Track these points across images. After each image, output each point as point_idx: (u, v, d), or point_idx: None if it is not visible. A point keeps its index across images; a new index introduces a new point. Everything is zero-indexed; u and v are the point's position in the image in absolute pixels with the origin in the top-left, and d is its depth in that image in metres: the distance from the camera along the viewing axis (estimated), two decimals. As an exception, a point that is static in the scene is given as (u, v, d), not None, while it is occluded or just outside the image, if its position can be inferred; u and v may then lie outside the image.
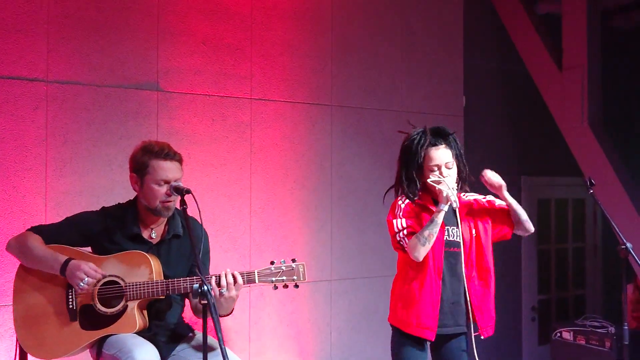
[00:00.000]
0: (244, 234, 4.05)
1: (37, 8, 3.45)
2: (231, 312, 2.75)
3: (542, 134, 5.56)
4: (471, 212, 3.00)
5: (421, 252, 2.81)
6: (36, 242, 2.70)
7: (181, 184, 2.67)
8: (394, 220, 2.92)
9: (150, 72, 3.77)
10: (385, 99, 4.66)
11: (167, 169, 2.71)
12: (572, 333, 4.72)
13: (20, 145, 3.40)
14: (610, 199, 4.56)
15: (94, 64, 3.60)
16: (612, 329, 4.53)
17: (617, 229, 3.16)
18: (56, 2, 3.51)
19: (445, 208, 2.82)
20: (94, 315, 2.68)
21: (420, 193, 2.96)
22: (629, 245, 3.05)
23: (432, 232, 2.80)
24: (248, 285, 2.71)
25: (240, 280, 2.64)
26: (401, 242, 2.89)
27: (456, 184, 2.92)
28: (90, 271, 2.63)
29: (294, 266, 2.70)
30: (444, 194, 2.81)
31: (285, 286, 2.72)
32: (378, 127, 4.62)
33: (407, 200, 2.95)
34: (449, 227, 2.92)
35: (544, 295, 5.82)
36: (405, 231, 2.87)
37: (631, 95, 5.53)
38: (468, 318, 2.95)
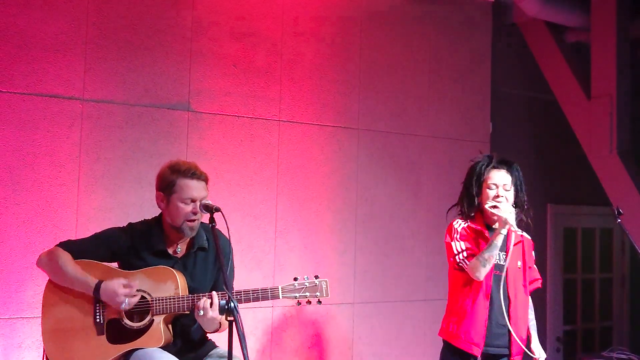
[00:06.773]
0: (268, 254, 4.08)
1: (75, 29, 3.57)
2: (216, 330, 2.75)
3: (569, 162, 5.52)
4: (520, 247, 3.12)
5: (482, 272, 2.98)
6: (66, 261, 2.73)
7: (210, 202, 2.72)
8: (452, 243, 3.09)
9: (182, 93, 3.86)
10: (412, 123, 4.68)
11: (194, 188, 2.76)
12: (598, 365, 4.63)
13: (54, 161, 3.50)
14: (638, 228, 4.49)
15: (128, 84, 3.70)
16: (639, 362, 4.44)
17: (645, 259, 3.12)
18: (94, 24, 3.62)
19: (504, 232, 2.97)
20: (121, 329, 2.72)
21: (476, 215, 3.13)
22: (656, 275, 3.01)
23: (491, 254, 2.96)
24: (271, 301, 2.74)
25: (216, 301, 2.61)
26: (461, 264, 3.05)
27: (513, 209, 3.03)
28: (127, 291, 2.67)
29: (317, 282, 2.74)
30: (503, 218, 2.94)
31: (309, 302, 2.75)
32: (404, 152, 4.64)
33: (463, 224, 3.12)
34: (499, 252, 3.04)
35: (569, 325, 5.73)
36: (465, 253, 3.05)
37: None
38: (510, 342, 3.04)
